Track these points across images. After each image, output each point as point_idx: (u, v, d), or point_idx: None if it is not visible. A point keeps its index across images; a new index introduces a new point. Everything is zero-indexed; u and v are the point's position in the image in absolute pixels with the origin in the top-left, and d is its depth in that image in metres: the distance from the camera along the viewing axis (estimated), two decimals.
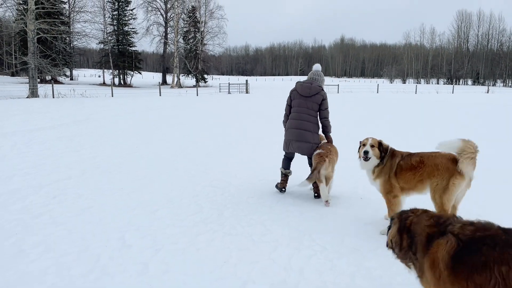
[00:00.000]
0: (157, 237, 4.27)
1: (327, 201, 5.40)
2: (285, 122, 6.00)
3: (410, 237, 2.52)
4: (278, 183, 6.05)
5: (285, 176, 5.99)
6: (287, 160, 6.06)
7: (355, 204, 5.48)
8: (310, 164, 5.80)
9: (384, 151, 4.64)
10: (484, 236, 2.14)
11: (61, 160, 7.98)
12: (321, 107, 5.75)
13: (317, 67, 6.08)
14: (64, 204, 5.33)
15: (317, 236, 4.32)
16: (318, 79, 5.92)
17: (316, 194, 5.75)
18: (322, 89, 5.83)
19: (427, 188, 4.25)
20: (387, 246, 2.73)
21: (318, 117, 5.83)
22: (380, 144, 4.68)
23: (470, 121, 15.80)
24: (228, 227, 4.58)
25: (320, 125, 5.90)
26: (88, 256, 3.81)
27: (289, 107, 5.93)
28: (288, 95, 5.95)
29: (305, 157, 6.02)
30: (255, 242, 4.14)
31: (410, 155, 4.47)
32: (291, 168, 6.11)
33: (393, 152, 4.62)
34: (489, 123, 15.16)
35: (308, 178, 5.37)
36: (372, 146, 4.67)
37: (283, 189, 5.96)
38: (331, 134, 6.03)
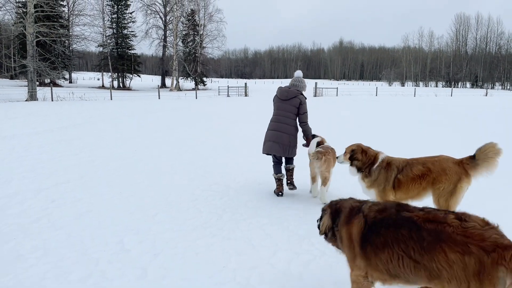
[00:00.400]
0: (156, 241, 4.26)
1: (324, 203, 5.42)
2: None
3: (336, 217, 2.91)
4: (275, 189, 6.14)
5: (279, 181, 6.08)
6: (277, 164, 6.14)
7: None
8: (278, 163, 6.10)
9: (368, 159, 4.58)
10: (382, 218, 2.50)
11: (60, 164, 7.97)
12: (299, 111, 5.92)
13: (298, 73, 6.27)
14: (63, 208, 5.32)
15: (316, 240, 4.31)
16: (299, 85, 6.10)
17: (288, 182, 6.06)
18: (301, 93, 6.02)
19: (428, 194, 4.20)
20: (320, 233, 3.07)
21: (298, 121, 6.00)
22: (362, 151, 4.64)
23: (469, 124, 15.83)
24: (227, 231, 4.58)
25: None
26: (87, 260, 3.80)
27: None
28: (273, 100, 6.20)
29: (304, 159, 6.06)
30: (254, 247, 4.14)
31: (408, 165, 4.31)
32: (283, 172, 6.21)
33: (389, 163, 4.45)
34: (488, 126, 15.18)
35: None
36: (349, 152, 4.73)
37: (280, 193, 6.03)
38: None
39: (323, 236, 3.07)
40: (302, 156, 6.72)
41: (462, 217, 2.27)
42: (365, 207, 2.71)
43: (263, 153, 6.16)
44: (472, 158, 4.01)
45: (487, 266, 2.04)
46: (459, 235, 2.16)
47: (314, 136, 6.17)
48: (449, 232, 2.19)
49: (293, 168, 6.14)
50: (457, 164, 4.06)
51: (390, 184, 4.35)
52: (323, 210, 3.12)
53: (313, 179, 5.79)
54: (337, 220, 2.89)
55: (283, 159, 6.22)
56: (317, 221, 3.17)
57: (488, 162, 3.88)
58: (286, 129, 5.88)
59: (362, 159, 4.61)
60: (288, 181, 6.09)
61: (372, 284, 2.66)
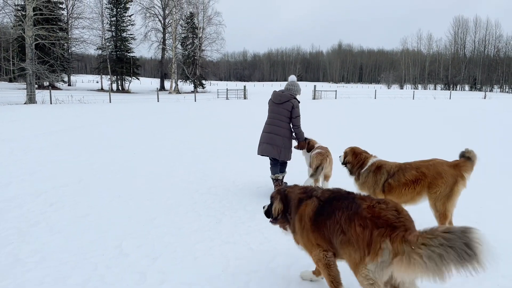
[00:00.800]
0: (155, 245, 4.25)
1: None
2: None
3: (287, 203, 3.39)
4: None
5: (276, 181, 6.29)
6: (274, 165, 6.33)
7: None
8: (275, 165, 6.27)
9: (357, 162, 4.70)
10: (334, 196, 3.06)
11: (59, 167, 7.95)
12: (292, 114, 6.12)
13: (292, 78, 6.55)
14: (62, 211, 5.31)
15: None
16: (293, 89, 6.32)
17: None
18: (294, 97, 6.22)
19: (424, 199, 4.21)
20: (271, 217, 3.51)
21: (291, 124, 6.21)
22: (353, 154, 4.83)
23: (468, 127, 15.85)
24: (226, 235, 4.57)
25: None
26: (85, 265, 3.78)
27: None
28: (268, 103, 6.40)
29: (300, 159, 6.09)
30: (253, 251, 4.13)
31: (401, 170, 4.31)
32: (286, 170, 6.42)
33: (379, 167, 4.47)
34: (487, 129, 15.20)
35: (312, 176, 5.65)
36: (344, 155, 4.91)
37: None
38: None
39: (270, 219, 3.55)
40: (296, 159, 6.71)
41: (381, 201, 2.78)
42: (317, 192, 3.22)
43: (257, 154, 6.36)
44: (468, 159, 4.08)
45: (375, 238, 2.54)
46: (365, 212, 2.68)
47: (306, 139, 6.38)
48: (363, 208, 2.73)
49: (282, 178, 6.30)
50: (453, 167, 4.11)
51: (379, 188, 4.38)
52: (272, 197, 3.57)
53: (316, 181, 5.84)
54: (288, 204, 3.38)
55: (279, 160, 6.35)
56: (263, 207, 3.65)
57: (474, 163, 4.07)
58: (279, 132, 6.09)
59: (352, 162, 4.74)
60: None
61: (332, 257, 3.02)
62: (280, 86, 58.12)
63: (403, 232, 2.49)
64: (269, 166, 6.46)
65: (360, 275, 2.67)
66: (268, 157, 6.46)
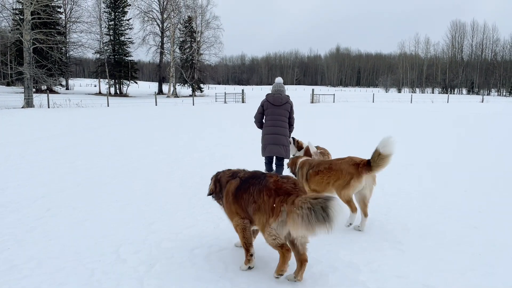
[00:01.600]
0: (152, 251, 4.23)
1: None
2: (258, 123, 6.82)
3: (220, 185, 4.15)
4: None
5: None
6: (269, 164, 6.76)
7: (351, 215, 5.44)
8: (279, 165, 6.67)
9: (293, 165, 5.65)
10: (252, 175, 3.85)
11: (56, 172, 7.93)
12: (290, 114, 6.66)
13: (279, 79, 6.93)
14: (58, 217, 5.29)
15: (312, 249, 4.29)
16: (283, 90, 6.79)
17: None
18: (289, 98, 6.73)
19: (331, 188, 5.01)
20: (207, 194, 4.35)
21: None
22: (292, 162, 5.72)
23: (466, 130, 15.90)
24: (224, 240, 4.55)
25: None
26: (82, 271, 3.76)
27: (261, 115, 6.71)
28: (260, 105, 6.71)
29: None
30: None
31: (318, 164, 5.23)
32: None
33: (304, 163, 5.44)
34: (485, 132, 15.25)
35: None
36: None
37: None
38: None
39: (210, 196, 4.35)
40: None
41: (284, 177, 3.62)
42: (241, 174, 4.00)
43: (264, 155, 6.67)
44: (368, 164, 4.73)
45: (277, 203, 3.33)
46: (271, 184, 3.49)
47: (293, 139, 6.85)
48: (270, 181, 3.54)
49: None
50: (353, 166, 4.84)
51: (304, 178, 5.29)
52: (211, 178, 4.38)
53: None
54: (220, 185, 4.15)
55: (274, 159, 6.77)
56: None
57: (380, 166, 4.65)
58: (283, 132, 6.53)
59: (291, 167, 5.72)
60: None
61: (248, 223, 3.74)
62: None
63: (294, 197, 3.25)
64: (264, 167, 6.76)
65: (266, 233, 3.46)
66: (264, 159, 6.81)
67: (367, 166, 4.72)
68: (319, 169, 5.11)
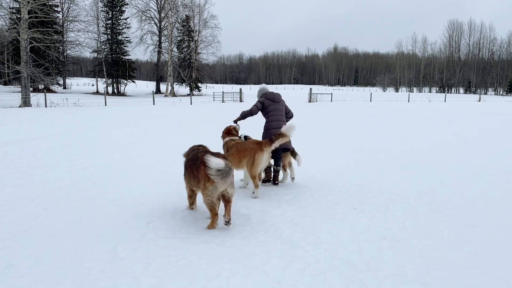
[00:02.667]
0: (149, 249, 4.22)
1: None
2: (248, 114, 7.40)
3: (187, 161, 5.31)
4: (264, 178, 7.17)
5: (269, 168, 7.15)
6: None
7: (349, 214, 5.46)
8: (284, 151, 7.17)
9: (225, 146, 6.82)
10: (194, 153, 5.10)
11: (53, 171, 7.91)
12: (287, 107, 7.50)
13: (265, 85, 7.86)
14: (55, 216, 5.27)
15: (310, 247, 4.30)
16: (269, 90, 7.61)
17: (276, 182, 7.08)
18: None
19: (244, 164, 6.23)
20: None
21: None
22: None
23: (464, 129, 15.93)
24: (221, 238, 4.54)
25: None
26: (79, 269, 3.75)
27: (258, 110, 7.28)
28: (259, 102, 7.30)
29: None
30: (248, 255, 4.10)
31: (233, 145, 6.44)
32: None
33: (226, 143, 6.70)
34: (482, 130, 15.28)
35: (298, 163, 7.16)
36: None
37: (276, 182, 7.11)
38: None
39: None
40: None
41: (210, 152, 4.91)
42: (191, 153, 5.26)
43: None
44: (270, 141, 6.09)
45: (200, 171, 4.68)
46: (202, 159, 4.61)
47: (246, 137, 7.31)
48: (200, 157, 4.76)
49: (280, 169, 7.13)
50: (256, 144, 6.21)
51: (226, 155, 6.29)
52: (183, 156, 5.62)
53: (285, 167, 7.22)
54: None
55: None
56: None
57: (278, 143, 6.08)
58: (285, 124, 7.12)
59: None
60: (276, 182, 7.09)
61: (194, 191, 5.34)
62: (276, 89, 58.36)
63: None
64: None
65: (203, 195, 4.76)
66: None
67: (269, 142, 6.09)
68: (234, 151, 6.31)
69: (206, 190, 4.65)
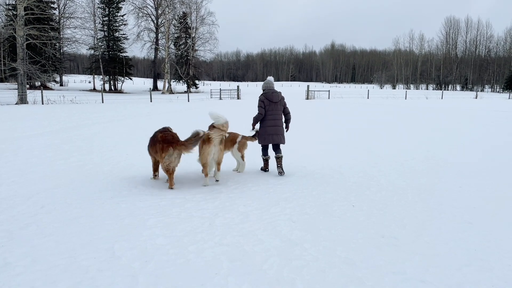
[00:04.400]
0: (147, 248, 4.20)
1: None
2: (256, 119, 7.75)
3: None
4: (262, 167, 8.10)
5: (266, 161, 7.99)
6: (265, 149, 7.96)
7: (347, 212, 5.46)
8: (266, 149, 7.94)
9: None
10: (153, 136, 6.87)
11: (50, 168, 7.87)
12: (285, 107, 7.90)
13: (271, 78, 8.21)
14: (53, 214, 5.24)
15: (309, 245, 4.29)
16: (274, 87, 8.05)
17: (278, 165, 7.63)
18: (281, 94, 7.99)
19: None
20: None
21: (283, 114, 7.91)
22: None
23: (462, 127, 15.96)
24: (219, 236, 4.53)
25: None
26: (76, 268, 3.73)
27: (262, 109, 7.67)
28: (261, 101, 7.73)
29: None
30: (247, 253, 4.09)
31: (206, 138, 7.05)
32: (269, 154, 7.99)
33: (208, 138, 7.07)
34: (480, 127, 15.32)
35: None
36: None
37: (267, 170, 8.00)
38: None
39: None
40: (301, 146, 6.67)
41: (168, 133, 6.69)
42: (157, 133, 6.81)
43: (265, 143, 7.73)
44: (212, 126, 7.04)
45: (164, 147, 6.41)
46: (159, 137, 6.53)
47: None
48: (158, 136, 6.58)
49: (282, 156, 7.69)
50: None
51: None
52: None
53: (243, 157, 7.91)
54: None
55: (270, 146, 7.90)
56: None
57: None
58: (281, 123, 7.78)
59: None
60: (278, 165, 7.63)
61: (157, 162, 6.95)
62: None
63: (177, 143, 6.46)
64: (261, 149, 8.00)
65: (162, 163, 6.47)
66: (262, 146, 7.94)
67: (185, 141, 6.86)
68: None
69: (163, 160, 6.39)
